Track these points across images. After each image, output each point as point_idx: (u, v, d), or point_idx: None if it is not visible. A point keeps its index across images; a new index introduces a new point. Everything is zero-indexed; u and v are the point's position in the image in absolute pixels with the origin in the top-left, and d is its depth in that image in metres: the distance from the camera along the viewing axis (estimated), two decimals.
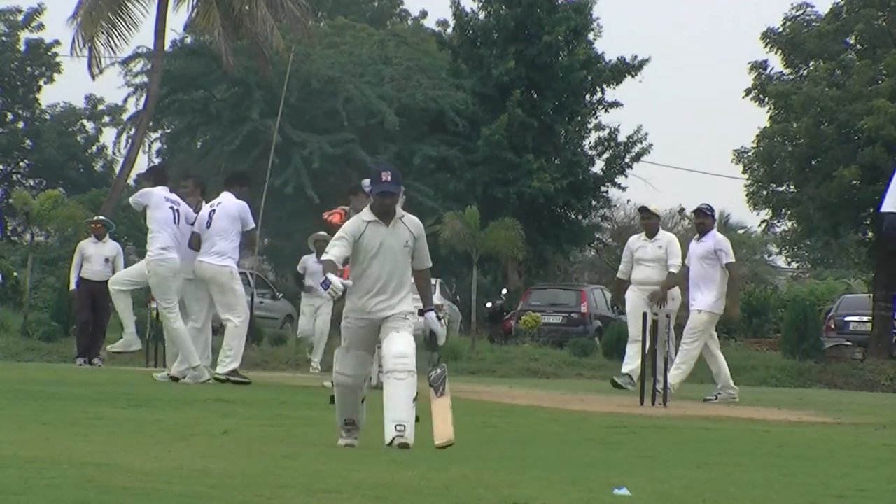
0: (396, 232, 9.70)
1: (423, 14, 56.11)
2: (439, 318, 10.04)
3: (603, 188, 43.85)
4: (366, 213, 9.78)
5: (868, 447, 11.04)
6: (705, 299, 16.68)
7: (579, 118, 43.13)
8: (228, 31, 32.13)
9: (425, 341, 9.86)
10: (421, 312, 9.83)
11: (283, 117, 34.12)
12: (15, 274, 27.68)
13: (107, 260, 21.33)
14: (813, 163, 34.02)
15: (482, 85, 41.62)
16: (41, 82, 49.56)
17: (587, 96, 43.23)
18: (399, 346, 9.58)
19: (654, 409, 14.79)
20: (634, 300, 17.12)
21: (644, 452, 9.88)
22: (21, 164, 50.49)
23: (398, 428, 9.54)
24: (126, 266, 20.71)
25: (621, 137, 43.45)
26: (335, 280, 9.46)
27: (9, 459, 8.00)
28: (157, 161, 47.18)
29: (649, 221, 17.31)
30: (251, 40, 32.98)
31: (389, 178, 9.67)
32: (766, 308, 36.15)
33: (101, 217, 22.82)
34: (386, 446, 9.47)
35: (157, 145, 47.13)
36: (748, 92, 37.66)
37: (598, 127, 43.86)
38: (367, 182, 9.80)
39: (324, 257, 9.73)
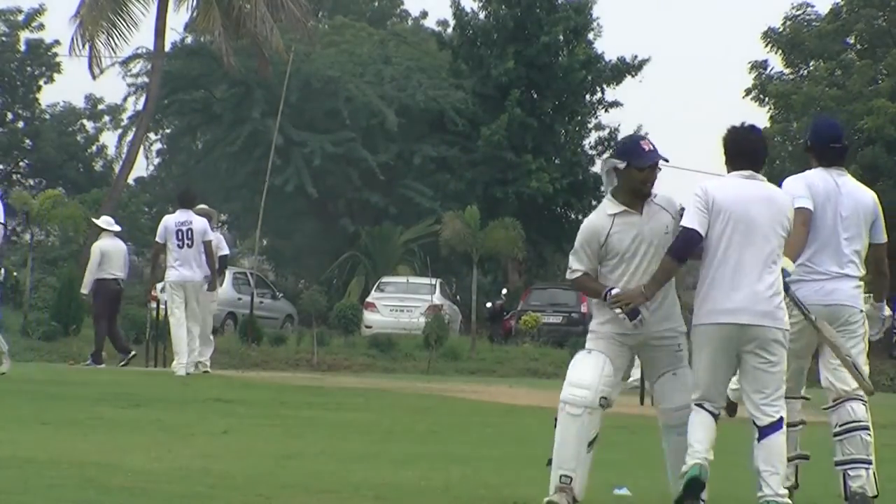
0: (653, 218, 7.49)
1: (424, 14, 56.07)
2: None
3: (603, 188, 43.80)
4: (608, 205, 7.65)
5: None
6: None
7: (579, 118, 43.11)
8: (228, 31, 32.07)
9: None
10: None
11: (283, 117, 34.07)
12: (15, 274, 27.59)
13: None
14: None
15: (482, 85, 41.58)
16: (41, 82, 49.42)
17: (587, 96, 43.19)
18: (676, 400, 7.76)
19: (654, 409, 14.75)
20: None
21: (644, 452, 9.86)
22: (21, 163, 50.38)
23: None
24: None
25: (621, 137, 43.45)
26: (641, 310, 7.33)
27: (9, 459, 8.00)
28: (156, 161, 47.24)
29: None
30: (251, 40, 32.93)
31: (652, 146, 7.47)
32: None
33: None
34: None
35: (157, 146, 47.15)
36: (748, 92, 37.64)
37: (598, 127, 43.88)
38: (614, 161, 7.60)
39: (570, 275, 7.62)
